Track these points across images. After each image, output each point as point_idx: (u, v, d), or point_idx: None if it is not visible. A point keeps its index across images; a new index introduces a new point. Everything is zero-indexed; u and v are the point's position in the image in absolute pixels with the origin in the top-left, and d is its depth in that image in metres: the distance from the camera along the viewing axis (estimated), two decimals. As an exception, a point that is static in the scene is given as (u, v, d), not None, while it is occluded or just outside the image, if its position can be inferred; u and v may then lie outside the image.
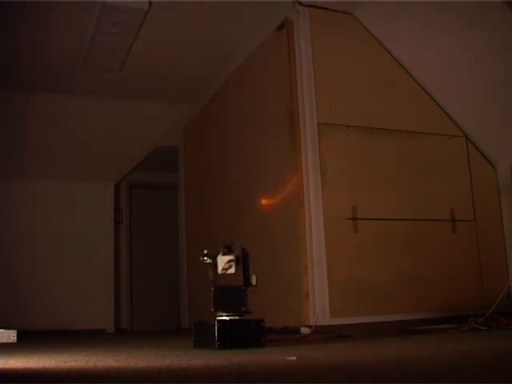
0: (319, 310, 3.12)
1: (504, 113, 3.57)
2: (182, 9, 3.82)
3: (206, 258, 2.32)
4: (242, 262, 2.33)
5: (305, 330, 3.09)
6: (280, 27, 3.59)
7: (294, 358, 1.67)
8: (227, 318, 2.26)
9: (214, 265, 2.32)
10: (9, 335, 3.49)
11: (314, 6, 3.52)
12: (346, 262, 3.24)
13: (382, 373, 1.28)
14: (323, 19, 3.54)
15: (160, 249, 6.91)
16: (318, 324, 3.07)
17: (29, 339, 3.76)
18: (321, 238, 3.22)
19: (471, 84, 3.59)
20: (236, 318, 2.28)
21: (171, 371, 1.48)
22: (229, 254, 2.31)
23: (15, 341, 3.49)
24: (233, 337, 2.20)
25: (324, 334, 2.90)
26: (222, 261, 2.31)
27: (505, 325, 2.80)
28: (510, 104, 3.49)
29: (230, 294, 2.33)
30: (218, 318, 2.25)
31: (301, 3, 3.50)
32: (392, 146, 3.54)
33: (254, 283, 2.35)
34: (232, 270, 2.31)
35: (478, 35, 3.30)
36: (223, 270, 2.30)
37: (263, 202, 3.76)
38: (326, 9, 3.56)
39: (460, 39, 3.40)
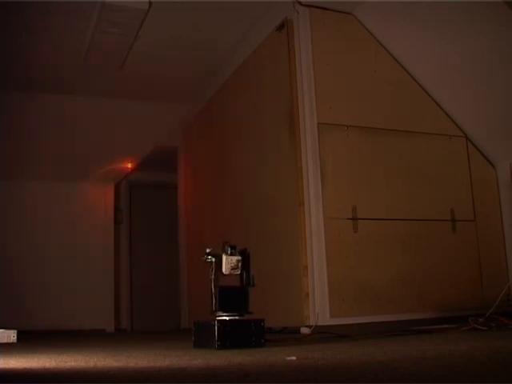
0: (319, 310, 3.12)
1: (504, 113, 3.57)
2: (181, 9, 3.82)
3: (209, 257, 2.31)
4: (243, 262, 2.33)
5: (305, 330, 3.09)
6: (280, 27, 3.59)
7: (294, 357, 1.67)
8: (227, 318, 2.26)
9: (216, 264, 2.31)
10: (9, 335, 3.49)
11: (314, 6, 3.53)
12: (346, 262, 3.24)
13: (382, 372, 1.28)
14: (323, 19, 3.54)
15: (160, 249, 6.91)
16: (318, 324, 3.07)
17: (29, 339, 3.76)
18: (321, 237, 3.22)
19: (471, 84, 3.59)
20: (236, 317, 2.28)
21: (171, 371, 1.48)
22: (234, 254, 2.30)
23: (15, 341, 3.49)
24: (233, 337, 2.20)
25: (324, 333, 2.90)
26: (230, 261, 2.30)
27: (505, 325, 2.80)
28: (510, 104, 3.49)
29: (231, 293, 2.32)
30: (218, 318, 2.25)
31: (301, 3, 3.50)
32: (392, 145, 3.54)
33: (254, 283, 2.35)
34: (238, 271, 2.31)
35: (479, 35, 3.30)
36: (231, 270, 2.29)
37: (263, 202, 3.76)
38: (325, 9, 3.56)
39: (460, 39, 3.40)
